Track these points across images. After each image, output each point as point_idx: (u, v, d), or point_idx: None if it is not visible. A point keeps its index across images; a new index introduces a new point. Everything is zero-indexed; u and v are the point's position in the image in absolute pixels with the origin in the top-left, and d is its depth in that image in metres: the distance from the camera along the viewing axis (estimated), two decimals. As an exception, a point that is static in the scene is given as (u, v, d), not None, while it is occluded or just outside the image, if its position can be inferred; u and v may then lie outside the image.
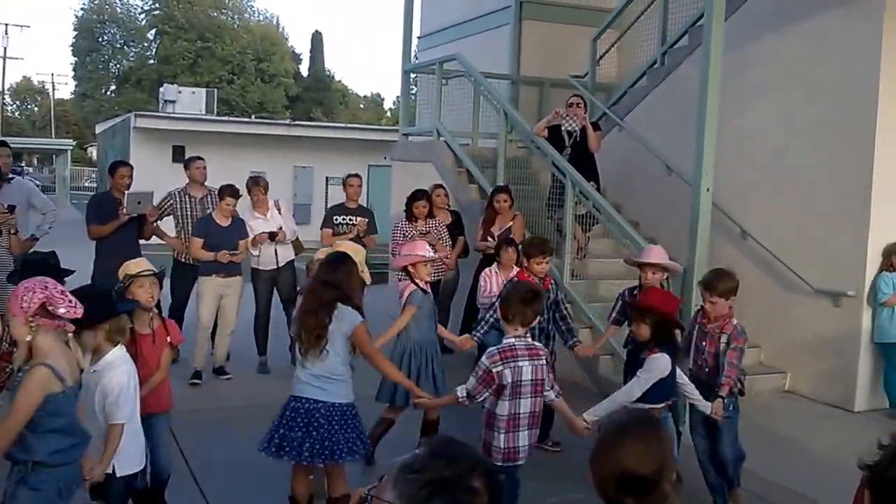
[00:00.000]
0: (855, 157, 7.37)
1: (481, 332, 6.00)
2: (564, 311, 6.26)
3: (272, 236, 8.13)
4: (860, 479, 2.41)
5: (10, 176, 7.96)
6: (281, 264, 8.32)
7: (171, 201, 8.32)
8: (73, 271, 4.92)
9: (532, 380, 4.30)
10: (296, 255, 8.50)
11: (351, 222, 8.57)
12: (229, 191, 7.87)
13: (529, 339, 4.46)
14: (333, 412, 4.51)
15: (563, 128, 8.91)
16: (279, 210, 8.49)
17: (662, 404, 4.60)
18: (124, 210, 7.55)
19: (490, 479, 1.48)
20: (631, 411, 2.25)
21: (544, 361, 4.41)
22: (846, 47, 7.50)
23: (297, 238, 8.63)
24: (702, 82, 6.79)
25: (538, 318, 4.58)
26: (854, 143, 7.38)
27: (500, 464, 4.27)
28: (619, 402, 4.48)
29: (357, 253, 5.23)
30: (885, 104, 7.18)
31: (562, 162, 8.55)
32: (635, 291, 5.87)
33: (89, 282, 7.65)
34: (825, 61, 7.70)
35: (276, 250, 8.27)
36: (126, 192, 7.72)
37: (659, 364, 4.52)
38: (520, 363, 4.25)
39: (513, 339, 4.33)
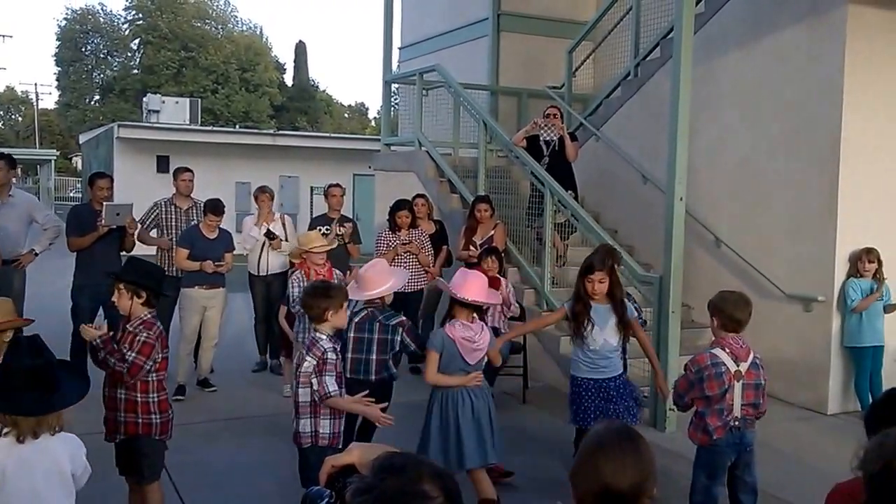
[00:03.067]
0: (821, 168, 7.50)
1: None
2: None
3: (270, 236, 8.30)
4: (833, 485, 2.46)
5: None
6: (272, 272, 8.45)
7: (157, 211, 8.27)
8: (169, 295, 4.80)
9: None
10: (290, 268, 8.53)
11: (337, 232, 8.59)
12: (212, 207, 7.80)
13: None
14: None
15: (541, 138, 8.98)
16: (284, 224, 8.62)
17: None
18: (102, 222, 7.45)
19: (442, 480, 1.46)
20: (610, 424, 2.21)
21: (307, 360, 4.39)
22: (810, 63, 7.63)
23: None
24: (672, 94, 6.89)
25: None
26: (819, 154, 7.51)
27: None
28: None
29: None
30: (849, 118, 7.32)
31: (540, 171, 8.62)
32: None
33: (70, 293, 7.65)
34: (789, 76, 7.83)
35: (268, 257, 8.40)
36: (105, 203, 7.61)
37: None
38: None
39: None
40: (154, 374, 4.29)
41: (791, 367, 7.75)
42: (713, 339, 4.56)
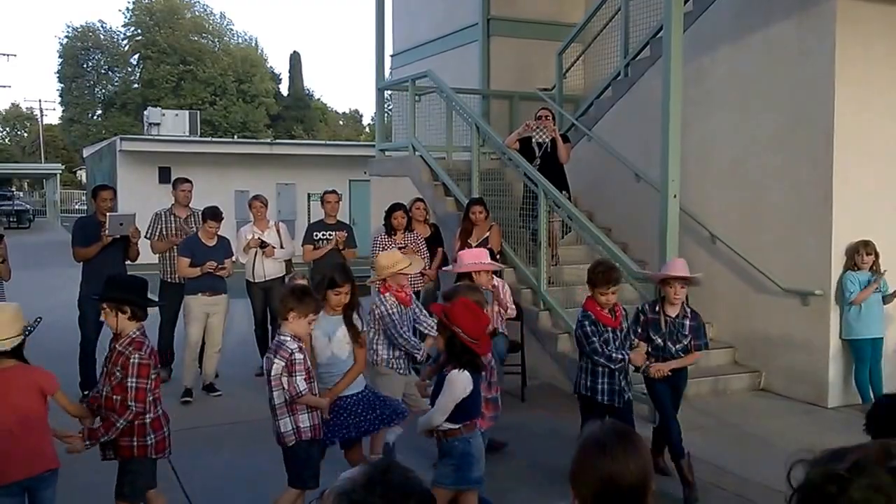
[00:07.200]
0: (814, 162, 7.29)
1: None
2: (632, 339, 5.50)
3: (262, 245, 8.28)
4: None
5: None
6: (268, 278, 8.39)
7: (159, 222, 8.25)
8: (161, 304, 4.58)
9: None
10: (286, 273, 8.51)
11: (330, 237, 8.49)
12: (210, 214, 7.76)
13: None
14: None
15: (533, 140, 8.81)
16: (279, 231, 8.59)
17: (459, 425, 4.09)
18: (106, 232, 7.39)
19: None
20: (605, 425, 2.08)
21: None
22: (800, 57, 7.42)
23: (291, 259, 8.71)
24: (664, 92, 6.70)
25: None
26: (812, 148, 7.31)
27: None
28: (422, 428, 4.20)
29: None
30: (841, 111, 7.11)
31: (534, 173, 8.44)
32: (657, 308, 5.51)
33: (77, 302, 7.66)
34: (780, 71, 7.62)
35: (263, 264, 8.36)
36: (108, 214, 7.56)
37: (458, 381, 4.03)
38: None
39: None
40: (150, 394, 4.08)
41: (790, 361, 7.55)
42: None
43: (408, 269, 5.73)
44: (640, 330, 5.50)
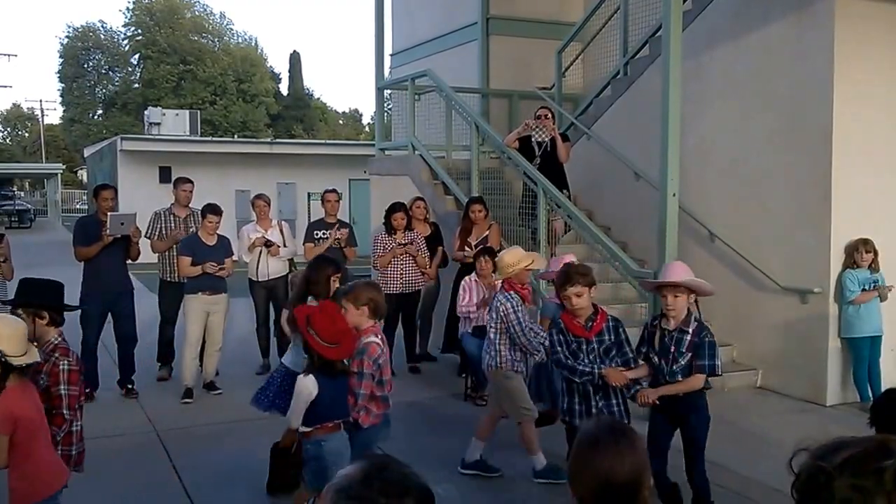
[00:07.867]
0: (813, 160, 7.28)
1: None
2: (629, 357, 4.85)
3: (268, 244, 8.31)
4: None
5: None
6: (272, 276, 8.42)
7: (159, 221, 8.25)
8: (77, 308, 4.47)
9: None
10: (289, 272, 8.52)
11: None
12: (210, 209, 7.77)
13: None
14: None
15: (533, 139, 8.79)
16: (281, 230, 8.62)
17: (313, 427, 4.11)
18: (107, 232, 7.41)
19: (424, 502, 1.44)
20: (600, 421, 2.07)
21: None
22: (798, 55, 7.42)
23: (293, 258, 8.72)
24: (663, 91, 6.69)
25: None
26: (811, 146, 7.30)
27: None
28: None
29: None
30: (840, 108, 7.10)
31: (533, 172, 8.43)
32: (656, 321, 4.76)
33: (78, 303, 7.55)
34: (779, 69, 7.62)
35: (267, 262, 8.38)
36: (109, 213, 7.58)
37: (302, 385, 4.07)
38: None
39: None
40: (78, 401, 3.94)
41: (788, 359, 7.55)
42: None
43: (533, 265, 5.53)
44: (643, 346, 4.84)
